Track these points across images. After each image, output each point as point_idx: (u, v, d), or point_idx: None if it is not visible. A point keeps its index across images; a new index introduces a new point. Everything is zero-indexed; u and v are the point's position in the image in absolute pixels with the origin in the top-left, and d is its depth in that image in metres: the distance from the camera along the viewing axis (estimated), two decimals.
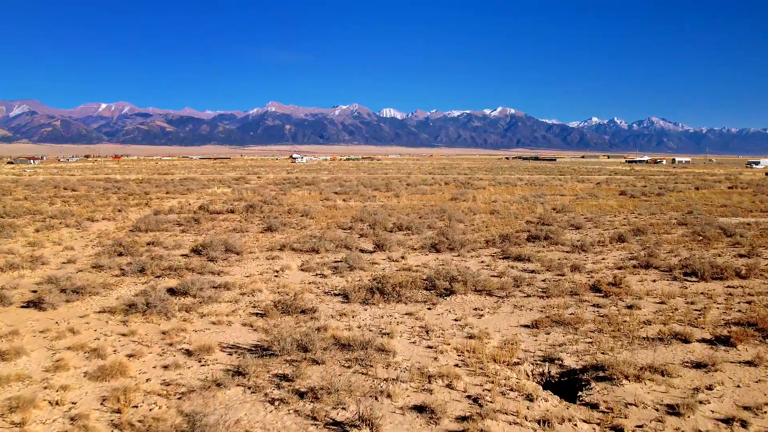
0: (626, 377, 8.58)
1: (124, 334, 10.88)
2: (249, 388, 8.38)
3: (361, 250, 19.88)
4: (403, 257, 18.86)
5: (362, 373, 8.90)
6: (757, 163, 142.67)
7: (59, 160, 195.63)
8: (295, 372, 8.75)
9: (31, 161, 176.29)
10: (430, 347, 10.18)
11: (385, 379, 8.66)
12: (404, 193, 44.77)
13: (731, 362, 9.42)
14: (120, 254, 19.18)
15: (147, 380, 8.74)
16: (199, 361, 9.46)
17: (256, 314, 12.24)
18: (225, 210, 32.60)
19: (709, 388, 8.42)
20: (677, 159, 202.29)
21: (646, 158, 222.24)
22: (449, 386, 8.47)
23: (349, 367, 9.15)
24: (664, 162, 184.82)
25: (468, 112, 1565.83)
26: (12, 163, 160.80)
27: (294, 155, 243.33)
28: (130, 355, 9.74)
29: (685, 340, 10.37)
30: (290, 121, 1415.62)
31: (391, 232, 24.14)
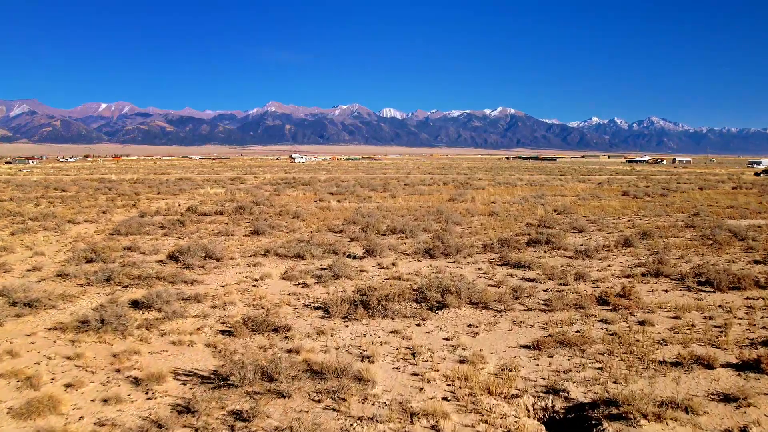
0: (644, 416, 7.25)
1: (69, 357, 9.56)
2: (196, 430, 7.06)
3: (350, 256, 18.58)
4: (394, 264, 17.55)
5: (333, 410, 7.57)
6: (758, 163, 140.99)
7: (58, 160, 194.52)
8: (254, 409, 7.42)
9: (30, 161, 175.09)
10: (416, 374, 8.86)
11: (359, 419, 7.33)
12: (401, 194, 43.44)
13: (765, 394, 8.08)
14: (90, 261, 17.87)
15: (79, 418, 7.42)
16: (146, 393, 8.13)
17: (224, 332, 10.92)
18: (214, 212, 31.32)
19: (744, 430, 7.09)
20: (678, 159, 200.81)
21: (646, 158, 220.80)
22: (434, 428, 7.14)
23: (318, 401, 7.83)
24: (665, 162, 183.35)
25: (468, 112, 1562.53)
26: (10, 163, 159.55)
27: (293, 155, 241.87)
28: (68, 385, 8.42)
29: (708, 365, 9.04)
30: (290, 121, 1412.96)
31: (384, 235, 22.85)
